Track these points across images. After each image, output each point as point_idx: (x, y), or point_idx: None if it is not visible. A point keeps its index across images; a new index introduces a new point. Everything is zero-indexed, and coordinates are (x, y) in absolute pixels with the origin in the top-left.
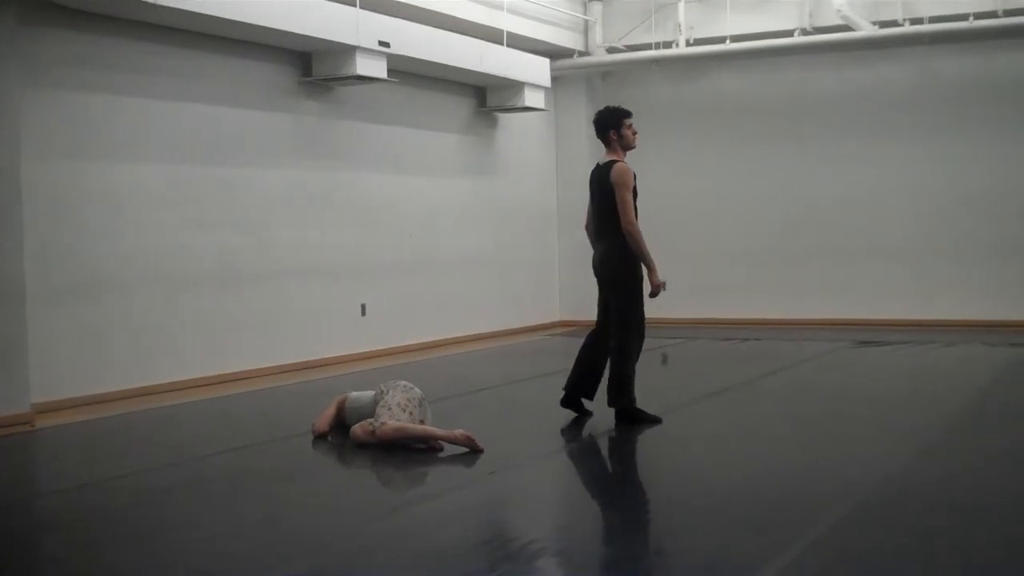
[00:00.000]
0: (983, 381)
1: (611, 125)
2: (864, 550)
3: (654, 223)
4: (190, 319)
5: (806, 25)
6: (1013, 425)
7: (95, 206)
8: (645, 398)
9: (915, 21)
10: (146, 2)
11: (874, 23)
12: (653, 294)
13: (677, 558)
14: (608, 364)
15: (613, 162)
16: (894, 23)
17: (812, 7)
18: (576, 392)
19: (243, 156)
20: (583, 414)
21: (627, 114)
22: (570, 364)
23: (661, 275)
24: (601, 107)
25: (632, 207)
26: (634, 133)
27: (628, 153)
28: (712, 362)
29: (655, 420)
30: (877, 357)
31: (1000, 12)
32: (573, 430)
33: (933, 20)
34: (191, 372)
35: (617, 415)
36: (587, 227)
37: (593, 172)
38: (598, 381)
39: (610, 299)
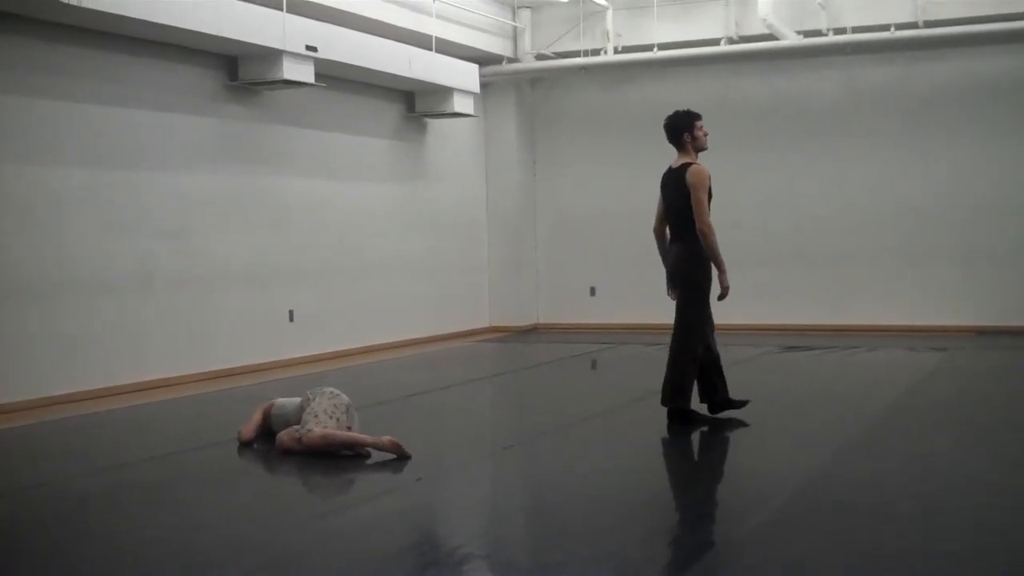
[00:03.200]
0: (903, 385)
1: (684, 128)
2: (781, 554)
3: (584, 227)
4: (111, 325)
5: (732, 34)
6: (929, 428)
7: (11, 210)
8: (574, 402)
9: (838, 31)
10: (66, 3)
11: (798, 32)
12: (721, 296)
13: (598, 563)
14: (667, 363)
15: (689, 164)
16: (818, 33)
17: (738, 16)
18: (712, 398)
19: (167, 160)
20: (729, 407)
21: (698, 116)
22: (497, 370)
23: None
24: (523, 113)
25: (707, 208)
26: (705, 134)
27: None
28: (640, 367)
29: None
30: (801, 361)
31: (920, 23)
32: (500, 435)
33: (856, 30)
34: (112, 379)
35: (670, 414)
36: (655, 230)
37: (665, 175)
38: (720, 376)
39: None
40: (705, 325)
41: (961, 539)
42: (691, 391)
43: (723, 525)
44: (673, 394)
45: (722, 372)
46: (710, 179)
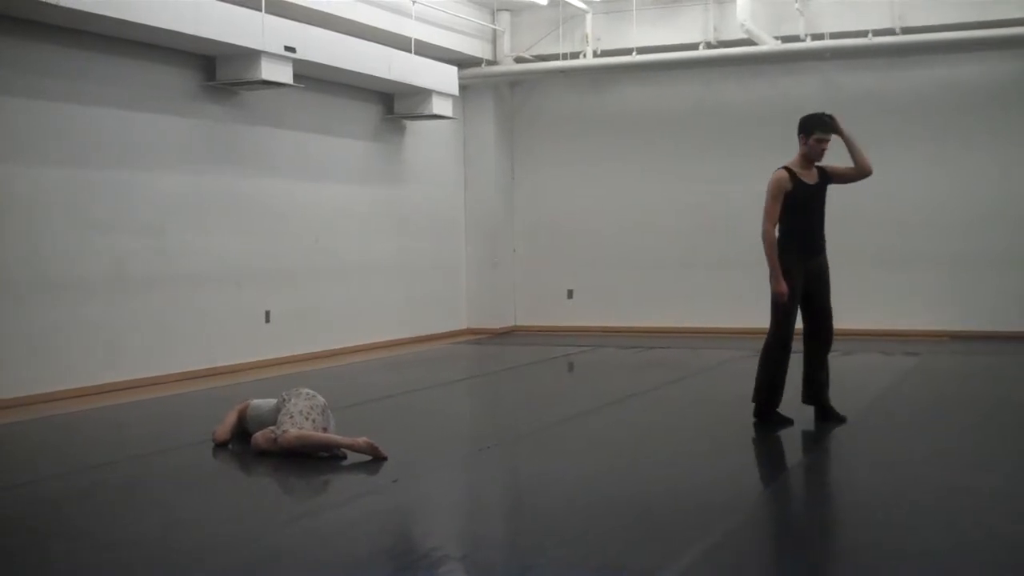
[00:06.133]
0: (877, 389)
1: (802, 131)
2: (759, 556)
3: (562, 230)
4: (87, 325)
5: (711, 39)
6: (900, 432)
7: None
8: (551, 404)
9: (816, 37)
10: (44, 2)
11: (777, 38)
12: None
13: (574, 565)
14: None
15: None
16: (796, 38)
17: (717, 21)
18: (813, 401)
19: (143, 160)
20: (830, 420)
21: (823, 127)
22: (474, 372)
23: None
24: (502, 115)
25: (772, 214)
26: (822, 149)
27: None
28: (616, 370)
29: (787, 422)
30: None
31: (897, 30)
32: (477, 437)
33: (834, 36)
34: (87, 379)
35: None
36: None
37: None
38: (818, 382)
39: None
40: (788, 325)
41: (942, 540)
42: (777, 392)
43: (701, 526)
44: (756, 393)
45: (818, 373)
46: (794, 186)
